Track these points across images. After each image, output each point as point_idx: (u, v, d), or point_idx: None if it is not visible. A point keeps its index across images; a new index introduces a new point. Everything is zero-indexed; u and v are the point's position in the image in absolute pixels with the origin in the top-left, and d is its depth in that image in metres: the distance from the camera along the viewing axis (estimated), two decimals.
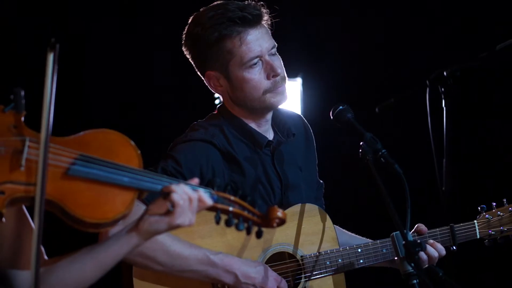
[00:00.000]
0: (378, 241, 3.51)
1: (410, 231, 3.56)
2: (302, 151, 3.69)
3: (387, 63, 6.16)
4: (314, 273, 3.45)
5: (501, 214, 3.75)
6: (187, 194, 2.52)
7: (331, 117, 3.41)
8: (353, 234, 3.74)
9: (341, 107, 3.39)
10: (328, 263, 3.47)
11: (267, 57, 3.42)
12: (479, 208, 3.77)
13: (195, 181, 2.58)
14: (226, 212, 2.57)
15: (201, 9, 3.49)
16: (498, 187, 6.00)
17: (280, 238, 3.43)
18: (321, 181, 3.77)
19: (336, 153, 5.52)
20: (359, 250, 3.51)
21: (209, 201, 2.55)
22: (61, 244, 3.16)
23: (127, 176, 2.48)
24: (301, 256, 3.45)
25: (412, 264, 3.00)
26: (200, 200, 2.54)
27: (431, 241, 3.55)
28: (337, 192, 3.91)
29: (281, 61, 3.48)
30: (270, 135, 3.58)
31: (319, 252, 3.47)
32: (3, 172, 2.36)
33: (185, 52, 3.54)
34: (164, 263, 3.18)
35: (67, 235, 2.74)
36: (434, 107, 4.49)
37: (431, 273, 3.11)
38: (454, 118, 4.44)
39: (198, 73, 3.56)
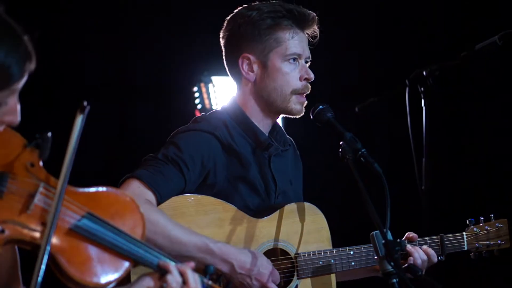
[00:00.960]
0: (370, 245, 3.51)
1: (403, 238, 3.61)
2: (292, 167, 3.71)
3: (367, 63, 6.18)
4: (306, 271, 3.45)
5: (489, 228, 3.81)
6: (179, 282, 2.52)
7: (311, 117, 3.42)
8: None
9: (321, 106, 3.40)
10: (320, 263, 3.47)
11: (303, 62, 3.53)
12: (467, 221, 3.81)
13: (191, 264, 2.60)
14: None
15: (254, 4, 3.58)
16: (478, 186, 6.03)
17: (276, 234, 3.43)
18: None
19: (318, 152, 5.52)
20: (351, 252, 3.52)
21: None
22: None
23: (128, 245, 2.46)
24: (295, 254, 3.46)
25: (392, 263, 3.01)
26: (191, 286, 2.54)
27: (425, 247, 3.59)
28: (317, 192, 3.91)
29: None
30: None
31: (313, 252, 3.47)
32: (9, 211, 2.33)
33: (225, 33, 3.57)
34: (164, 247, 3.15)
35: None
36: (414, 107, 4.51)
37: (410, 272, 3.13)
38: (434, 117, 4.45)
39: (228, 56, 3.57)
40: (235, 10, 3.58)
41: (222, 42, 3.59)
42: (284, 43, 3.48)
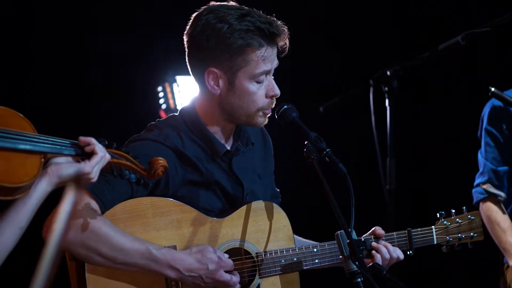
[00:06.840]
0: (334, 242, 3.50)
1: (367, 234, 3.60)
2: (261, 159, 3.68)
3: (331, 62, 6.19)
4: (268, 270, 3.44)
5: (460, 221, 3.78)
6: (104, 150, 2.81)
7: (276, 117, 3.41)
8: (303, 239, 3.74)
9: (285, 106, 3.39)
10: (283, 261, 3.46)
11: (271, 77, 3.43)
12: (438, 214, 3.77)
13: (93, 140, 2.78)
14: (119, 166, 2.90)
15: (219, 3, 3.42)
16: (442, 185, 6.08)
17: (237, 234, 3.42)
18: (277, 189, 3.77)
19: (282, 153, 5.53)
20: (315, 250, 3.51)
21: (109, 156, 2.83)
22: None
23: (27, 143, 2.62)
24: (257, 253, 3.44)
25: (357, 263, 3.02)
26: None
27: (384, 242, 3.57)
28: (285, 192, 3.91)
29: None
30: (229, 144, 3.55)
31: (275, 250, 3.46)
32: None
33: (190, 38, 3.43)
34: (106, 255, 3.14)
35: None
36: (378, 106, 4.53)
37: (375, 271, 3.14)
38: (398, 116, 4.48)
39: (193, 62, 3.46)
40: (201, 12, 3.41)
41: (186, 44, 3.46)
42: (252, 63, 3.36)
